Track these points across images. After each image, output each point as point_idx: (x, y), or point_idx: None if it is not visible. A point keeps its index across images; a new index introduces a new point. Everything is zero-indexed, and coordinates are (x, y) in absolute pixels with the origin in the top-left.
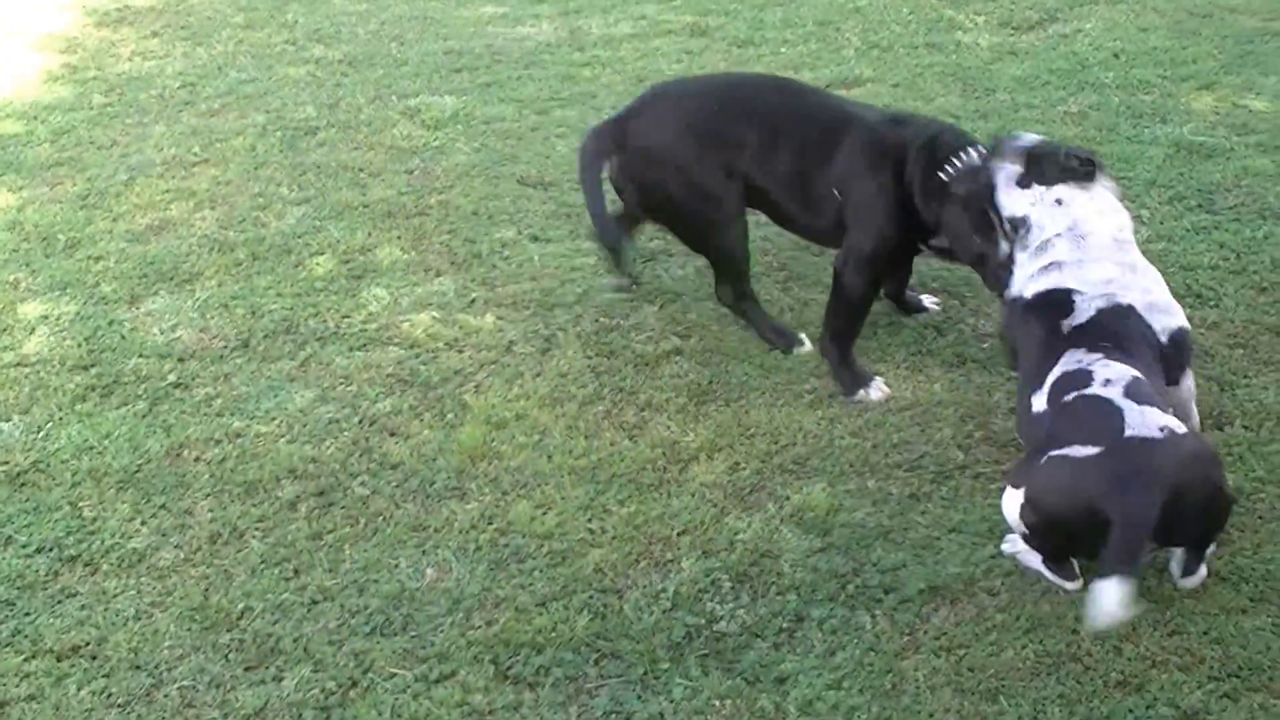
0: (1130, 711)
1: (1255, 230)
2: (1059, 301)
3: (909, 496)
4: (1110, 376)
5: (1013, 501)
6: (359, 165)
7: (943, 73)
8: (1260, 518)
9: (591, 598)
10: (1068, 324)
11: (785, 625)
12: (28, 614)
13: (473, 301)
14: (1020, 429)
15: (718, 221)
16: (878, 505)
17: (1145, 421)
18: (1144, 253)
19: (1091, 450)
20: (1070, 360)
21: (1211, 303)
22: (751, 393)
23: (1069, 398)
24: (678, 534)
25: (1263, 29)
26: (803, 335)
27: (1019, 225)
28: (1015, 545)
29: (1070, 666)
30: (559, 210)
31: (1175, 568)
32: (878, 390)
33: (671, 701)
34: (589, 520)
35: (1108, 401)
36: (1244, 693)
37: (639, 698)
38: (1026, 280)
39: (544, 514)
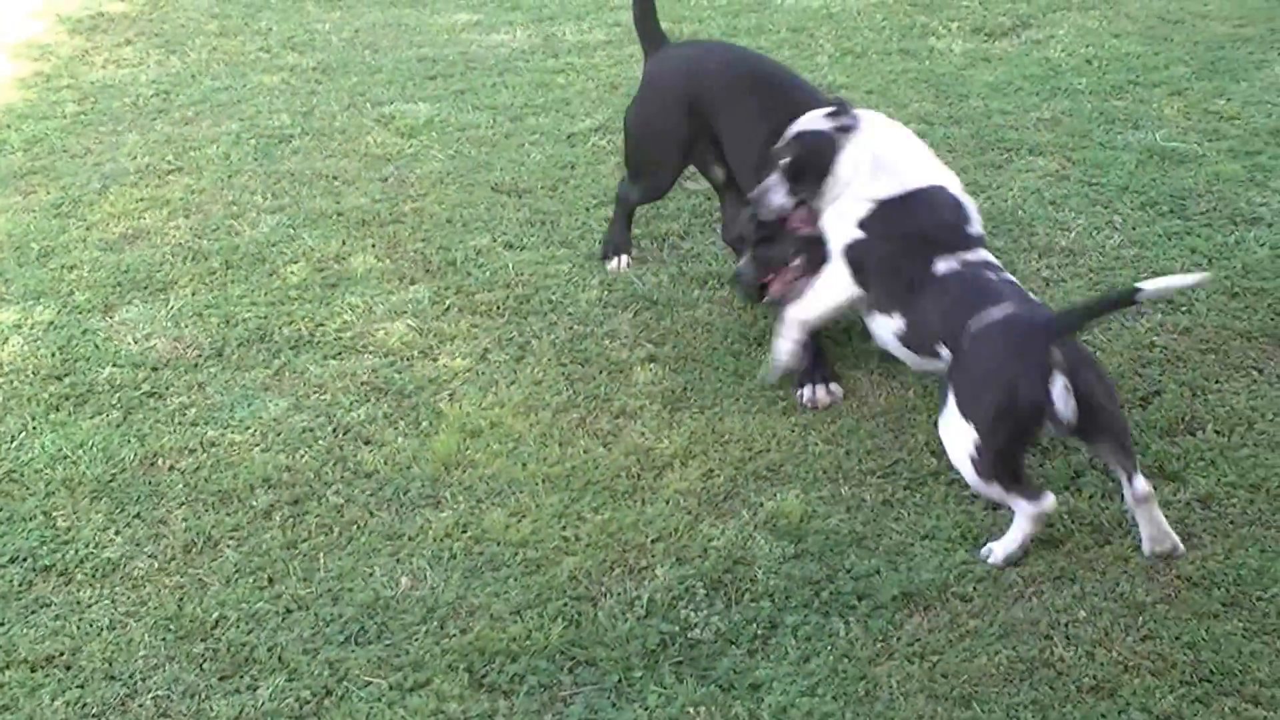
0: (1103, 716)
1: (1227, 236)
2: (955, 203)
3: (882, 503)
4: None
5: (951, 418)
6: (333, 173)
7: (916, 79)
8: (1232, 522)
9: (566, 605)
10: (970, 230)
11: (759, 632)
12: (1, 624)
13: (447, 309)
14: (910, 313)
15: (648, 171)
16: (851, 512)
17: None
18: (1117, 259)
19: (1007, 307)
20: (983, 255)
21: (1184, 308)
22: (725, 400)
23: (987, 273)
24: (652, 541)
25: (1233, 35)
26: (624, 258)
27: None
28: (995, 552)
29: (1043, 672)
30: (533, 217)
31: (1126, 491)
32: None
33: (646, 709)
34: (563, 528)
35: (1015, 284)
36: (1216, 697)
37: (614, 705)
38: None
39: (518, 522)
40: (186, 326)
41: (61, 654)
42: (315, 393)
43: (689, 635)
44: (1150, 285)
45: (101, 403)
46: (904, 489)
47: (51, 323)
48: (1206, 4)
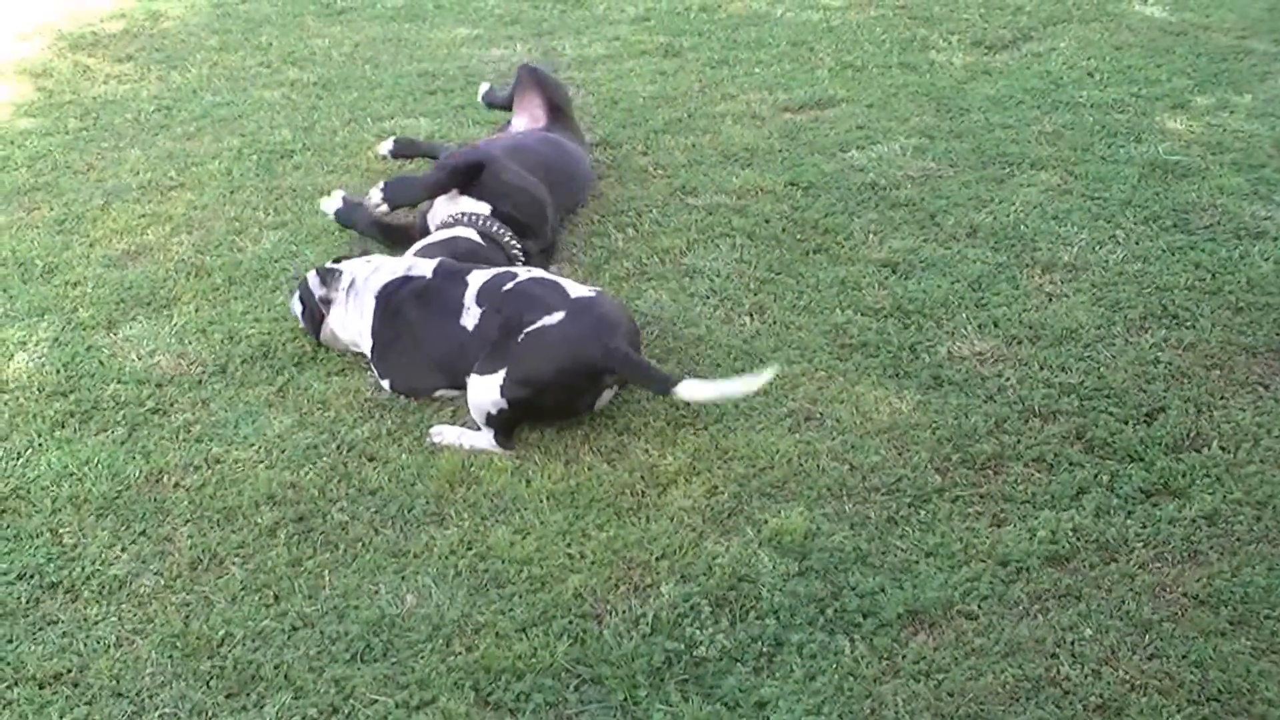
0: None
1: (1231, 250)
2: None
3: (886, 520)
4: (531, 273)
5: (489, 386)
6: (335, 189)
7: (916, 93)
8: (1238, 540)
9: (571, 623)
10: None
11: (764, 650)
12: (9, 641)
13: None
14: (445, 363)
15: None
16: (855, 529)
17: (581, 287)
18: (1120, 274)
19: (558, 315)
20: (481, 276)
21: (1188, 324)
22: (728, 416)
23: (508, 286)
24: (656, 558)
25: (1236, 46)
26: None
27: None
28: (444, 434)
29: (1049, 691)
30: None
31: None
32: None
33: None
34: (568, 545)
35: (548, 279)
36: (1223, 717)
37: None
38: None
39: (523, 539)
40: (190, 343)
41: (69, 671)
42: (319, 409)
43: (694, 653)
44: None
45: (106, 419)
46: (908, 506)
47: (56, 339)
48: (1208, 15)
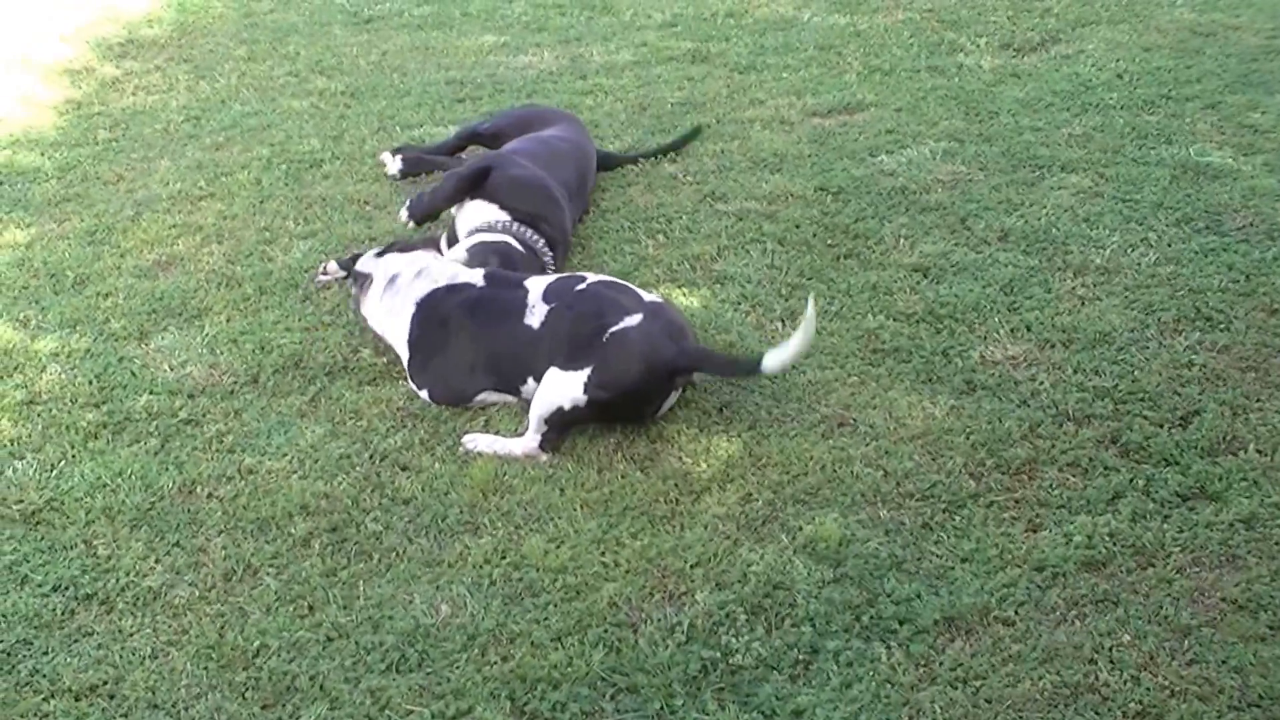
0: None
1: (1264, 251)
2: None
3: (921, 526)
4: (599, 277)
5: (572, 382)
6: (364, 198)
7: (945, 96)
8: (1277, 544)
9: (606, 632)
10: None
11: (800, 657)
12: (45, 653)
13: None
14: (508, 362)
15: None
16: (890, 535)
17: (647, 293)
18: (1152, 276)
19: (637, 317)
20: (542, 280)
21: (1221, 326)
22: (761, 423)
23: (580, 287)
24: (691, 566)
25: (1266, 46)
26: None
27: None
28: (478, 441)
29: (1088, 697)
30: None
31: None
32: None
33: None
34: (602, 553)
35: (618, 283)
36: None
37: None
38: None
39: (557, 548)
40: (222, 353)
41: (105, 683)
42: (351, 419)
43: (730, 661)
44: (772, 359)
45: (139, 430)
46: (943, 512)
47: (88, 350)
48: (1238, 15)
